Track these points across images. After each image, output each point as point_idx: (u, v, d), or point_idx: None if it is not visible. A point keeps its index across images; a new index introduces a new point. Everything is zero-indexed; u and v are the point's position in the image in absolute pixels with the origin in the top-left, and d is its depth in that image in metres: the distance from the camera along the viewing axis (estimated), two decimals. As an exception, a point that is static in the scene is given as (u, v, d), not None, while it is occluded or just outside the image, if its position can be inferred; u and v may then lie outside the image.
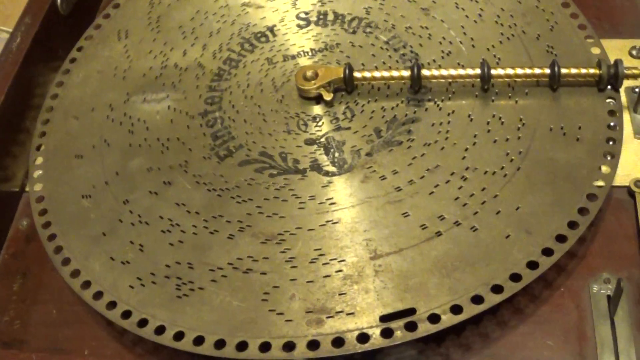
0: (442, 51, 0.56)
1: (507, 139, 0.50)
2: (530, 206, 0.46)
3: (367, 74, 0.54)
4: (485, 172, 0.49)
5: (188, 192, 0.51)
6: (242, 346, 0.43)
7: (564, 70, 0.52)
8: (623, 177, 0.52)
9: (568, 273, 0.48)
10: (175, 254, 0.48)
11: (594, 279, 0.47)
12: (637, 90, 0.55)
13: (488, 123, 0.51)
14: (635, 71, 0.53)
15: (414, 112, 0.53)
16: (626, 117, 0.55)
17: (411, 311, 0.43)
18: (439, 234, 0.46)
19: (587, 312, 0.46)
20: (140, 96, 0.57)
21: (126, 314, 0.46)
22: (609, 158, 0.49)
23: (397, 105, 0.54)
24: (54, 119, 0.58)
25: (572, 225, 0.46)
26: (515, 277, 0.43)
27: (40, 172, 0.54)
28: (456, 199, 0.47)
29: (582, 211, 0.47)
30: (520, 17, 0.57)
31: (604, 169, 0.49)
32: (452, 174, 0.49)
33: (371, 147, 0.51)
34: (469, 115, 0.52)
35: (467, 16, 0.58)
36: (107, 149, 0.55)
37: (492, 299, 0.43)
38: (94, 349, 0.48)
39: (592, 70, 0.53)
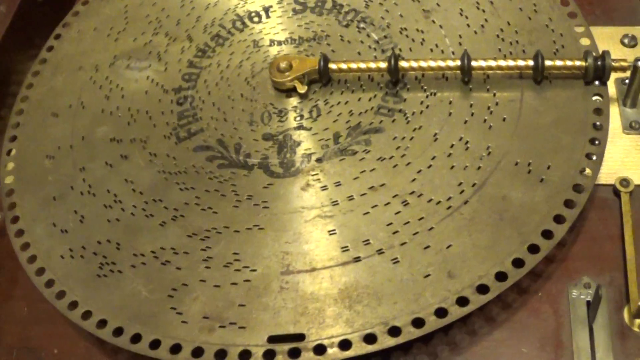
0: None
1: (466, 167, 0.47)
2: (462, 246, 0.43)
3: (344, 66, 0.51)
4: (430, 200, 0.46)
5: (139, 170, 0.51)
6: (136, 338, 0.43)
7: (548, 63, 0.49)
8: (609, 175, 0.49)
9: (547, 276, 0.46)
10: (109, 232, 0.48)
11: (573, 284, 0.45)
12: (626, 82, 0.51)
13: (452, 146, 0.48)
14: (623, 63, 0.49)
15: (380, 122, 0.50)
16: (615, 110, 0.52)
17: (300, 337, 0.41)
18: (357, 259, 0.44)
19: (565, 318, 0.45)
20: (125, 61, 0.57)
21: (49, 283, 0.47)
22: (594, 158, 0.46)
23: (366, 111, 0.51)
24: (40, 79, 0.58)
25: (500, 276, 0.42)
26: (418, 323, 0.41)
27: (13, 164, 0.54)
28: (389, 224, 0.45)
29: (532, 249, 0.43)
30: (526, 35, 0.52)
31: (587, 171, 0.46)
32: (395, 196, 0.46)
33: (324, 153, 0.49)
34: (435, 135, 0.49)
35: (468, 25, 0.54)
36: (81, 111, 0.55)
37: (386, 341, 0.40)
38: (64, 347, 0.49)
39: (578, 63, 0.49)
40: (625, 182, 0.50)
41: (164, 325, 0.43)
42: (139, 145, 0.52)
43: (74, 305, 0.45)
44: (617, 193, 0.49)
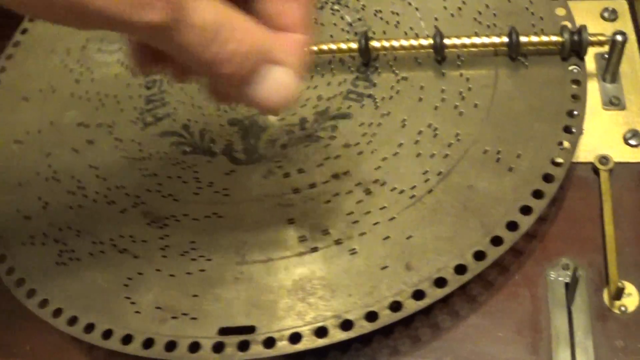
0: (403, 43, 0.50)
1: (433, 155, 0.45)
2: (423, 237, 0.42)
3: (314, 47, 0.50)
4: (393, 189, 0.44)
5: (104, 156, 0.50)
6: (89, 328, 0.43)
7: (523, 39, 0.47)
8: (588, 152, 0.48)
9: (524, 258, 0.45)
10: (70, 219, 0.47)
11: (551, 265, 0.44)
12: (606, 56, 0.50)
13: (420, 133, 0.46)
14: (600, 37, 0.48)
15: (348, 107, 0.49)
16: (594, 86, 0.51)
17: (251, 329, 0.40)
18: (314, 249, 0.42)
19: (542, 301, 0.43)
20: (96, 44, 0.56)
21: (10, 271, 0.46)
22: (573, 131, 0.45)
23: (335, 96, 0.49)
24: (13, 62, 0.58)
25: (460, 270, 0.41)
26: (371, 316, 0.40)
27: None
28: (349, 214, 0.43)
29: (510, 226, 0.42)
30: (504, 17, 0.50)
31: (565, 144, 0.45)
32: (358, 184, 0.45)
33: (289, 139, 0.48)
34: (404, 121, 0.47)
35: (445, 7, 0.52)
36: (51, 95, 0.55)
37: (337, 335, 0.39)
38: (36, 345, 0.47)
39: (554, 38, 0.47)
40: (604, 159, 0.48)
41: (118, 315, 0.42)
42: (106, 130, 0.51)
43: (32, 293, 0.45)
44: (596, 171, 0.48)
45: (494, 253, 0.41)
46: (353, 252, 0.42)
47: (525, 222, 0.42)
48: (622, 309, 0.45)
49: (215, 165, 0.48)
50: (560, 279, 0.44)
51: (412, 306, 0.40)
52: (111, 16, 0.25)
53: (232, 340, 0.40)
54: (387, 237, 0.42)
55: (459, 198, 0.43)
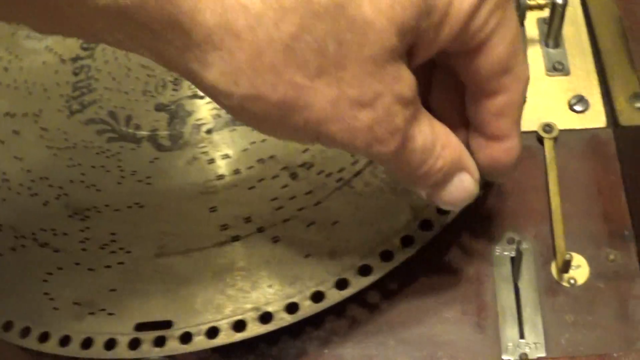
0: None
1: None
2: (349, 223, 0.40)
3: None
4: (320, 172, 0.42)
5: (29, 146, 0.48)
6: (8, 326, 0.41)
7: None
8: (531, 121, 0.46)
9: (469, 234, 0.44)
10: (-6, 213, 0.46)
11: (496, 240, 0.43)
12: (547, 21, 0.49)
13: None
14: (540, 1, 0.48)
15: (277, 88, 0.46)
16: (536, 51, 0.50)
17: (167, 324, 0.39)
18: (236, 238, 0.41)
19: (489, 278, 0.42)
20: (25, 30, 0.54)
21: None
22: None
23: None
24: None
25: (386, 256, 0.39)
26: (292, 308, 0.38)
27: None
28: (274, 199, 0.42)
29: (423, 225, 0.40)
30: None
31: None
32: (284, 168, 0.43)
33: (215, 124, 0.46)
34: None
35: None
36: (-21, 85, 0.53)
37: (255, 329, 0.38)
38: None
39: None
40: (548, 127, 0.47)
41: (37, 311, 0.41)
42: (31, 120, 0.49)
43: (-47, 292, 0.43)
44: (540, 140, 0.46)
45: (423, 238, 0.39)
46: (276, 239, 0.40)
47: None
48: (571, 282, 0.43)
49: (139, 152, 0.46)
50: (505, 253, 0.43)
51: (334, 296, 0.38)
52: (351, 147, 0.28)
53: (148, 336, 0.39)
54: (312, 224, 0.40)
55: (388, 181, 0.41)
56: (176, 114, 0.47)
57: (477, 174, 0.34)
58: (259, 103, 0.26)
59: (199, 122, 0.46)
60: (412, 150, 0.30)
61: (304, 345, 0.42)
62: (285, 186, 0.42)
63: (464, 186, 0.33)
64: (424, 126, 0.30)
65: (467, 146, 0.34)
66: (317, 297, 0.38)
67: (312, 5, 0.25)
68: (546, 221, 0.45)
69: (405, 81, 0.28)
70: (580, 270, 0.44)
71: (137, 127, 0.47)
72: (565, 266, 0.43)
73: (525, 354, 0.41)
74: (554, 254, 0.44)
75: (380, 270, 0.38)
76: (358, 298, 0.42)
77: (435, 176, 0.32)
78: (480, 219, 0.45)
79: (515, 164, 0.35)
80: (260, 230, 0.41)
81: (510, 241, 0.44)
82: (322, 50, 0.26)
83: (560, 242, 0.43)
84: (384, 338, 0.42)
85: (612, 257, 0.44)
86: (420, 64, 0.30)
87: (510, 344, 0.41)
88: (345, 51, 0.26)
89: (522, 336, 0.40)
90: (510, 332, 0.41)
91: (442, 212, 0.40)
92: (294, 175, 0.42)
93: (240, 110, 0.27)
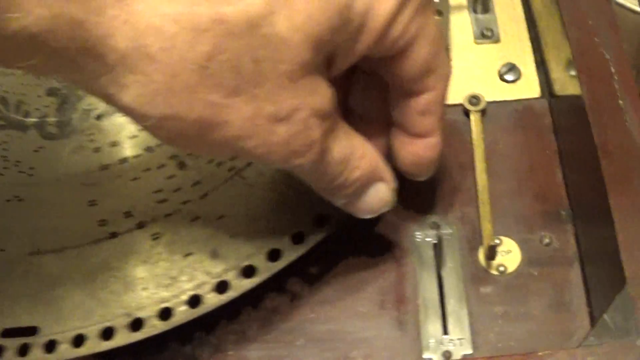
0: None
1: None
2: (236, 218, 0.36)
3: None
4: (210, 161, 0.38)
5: None
6: None
7: None
8: (458, 93, 0.42)
9: (389, 219, 0.40)
10: None
11: (418, 224, 0.40)
12: None
13: None
14: None
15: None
16: (464, 17, 0.46)
17: (33, 330, 0.35)
18: (113, 235, 0.37)
19: (409, 268, 0.39)
20: None
21: None
22: None
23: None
24: None
25: (273, 255, 0.35)
26: (165, 314, 0.34)
27: None
28: (158, 191, 0.38)
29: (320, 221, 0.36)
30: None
31: None
32: (172, 156, 0.39)
33: (106, 109, 0.42)
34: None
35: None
36: None
37: (125, 337, 0.34)
38: None
39: None
40: (475, 99, 0.43)
41: None
42: None
43: None
44: (467, 113, 0.43)
45: (316, 235, 0.35)
46: (156, 237, 0.36)
47: None
48: (501, 269, 0.39)
49: (25, 141, 0.42)
50: (428, 239, 0.40)
51: (212, 301, 0.34)
52: (269, 161, 0.29)
53: (13, 343, 0.35)
54: (197, 218, 0.36)
55: (283, 172, 0.37)
56: (67, 98, 0.43)
57: (393, 183, 0.34)
58: (176, 122, 0.27)
59: (89, 108, 0.43)
60: (329, 162, 0.30)
61: (195, 349, 0.38)
62: (171, 177, 0.38)
63: (380, 196, 0.34)
64: (340, 138, 0.31)
65: (389, 144, 0.34)
66: (194, 301, 0.34)
67: (227, 25, 0.25)
68: (474, 203, 0.41)
69: (322, 94, 0.29)
70: (511, 256, 0.39)
71: (27, 114, 0.43)
72: (492, 252, 0.38)
73: (449, 352, 0.37)
74: (481, 239, 0.40)
75: (265, 271, 0.35)
76: (266, 292, 0.38)
77: (351, 187, 0.32)
78: (401, 202, 0.39)
79: (438, 160, 0.35)
80: (140, 226, 0.37)
81: (433, 226, 0.40)
82: (238, 68, 0.26)
83: (487, 225, 0.39)
84: (293, 336, 0.38)
85: (546, 240, 0.40)
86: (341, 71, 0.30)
87: (432, 341, 0.37)
88: (261, 68, 0.26)
89: (445, 332, 0.37)
90: (432, 327, 0.37)
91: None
92: (182, 165, 0.38)
93: (158, 130, 0.28)
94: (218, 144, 0.28)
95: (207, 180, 0.38)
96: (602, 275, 0.36)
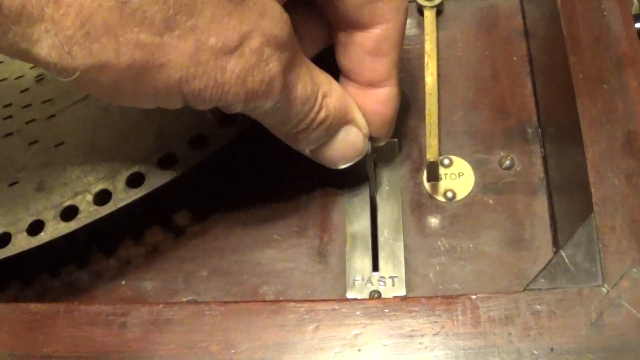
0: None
1: None
2: (77, 145, 0.31)
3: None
4: None
5: None
6: None
7: None
8: None
9: None
10: None
11: None
12: None
13: None
14: None
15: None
16: None
17: None
18: None
19: (336, 188, 0.34)
20: None
21: None
22: None
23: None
24: None
25: (102, 197, 0.30)
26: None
27: None
28: (7, 105, 0.34)
29: None
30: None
31: None
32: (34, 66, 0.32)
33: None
34: None
35: None
36: None
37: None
38: None
39: None
40: None
41: None
42: None
43: None
44: (420, 10, 0.37)
45: (162, 177, 0.30)
46: None
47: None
48: (449, 195, 0.33)
49: None
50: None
51: (21, 243, 0.29)
52: (225, 104, 0.26)
53: None
54: (34, 142, 0.32)
55: None
56: None
57: (365, 128, 0.30)
58: (104, 72, 0.23)
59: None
60: (292, 101, 0.27)
61: (92, 275, 0.33)
62: (25, 90, 0.31)
63: (350, 141, 0.30)
64: (303, 73, 0.27)
65: None
66: (6, 241, 0.29)
67: None
68: (421, 115, 0.34)
69: (274, 17, 0.25)
70: (462, 180, 0.33)
71: None
72: (433, 171, 0.32)
73: (378, 292, 0.31)
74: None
75: (87, 216, 0.29)
76: (162, 219, 0.33)
77: (318, 129, 0.29)
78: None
79: (394, 119, 0.31)
80: None
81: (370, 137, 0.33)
82: None
83: (432, 140, 0.32)
84: (194, 266, 0.33)
85: (507, 162, 0.33)
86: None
87: (358, 278, 0.32)
88: None
89: (375, 268, 0.32)
90: (359, 262, 0.32)
91: (196, 146, 0.30)
92: (40, 77, 0.31)
93: (87, 84, 0.24)
94: (161, 91, 0.24)
95: (60, 99, 0.32)
96: (572, 207, 0.29)
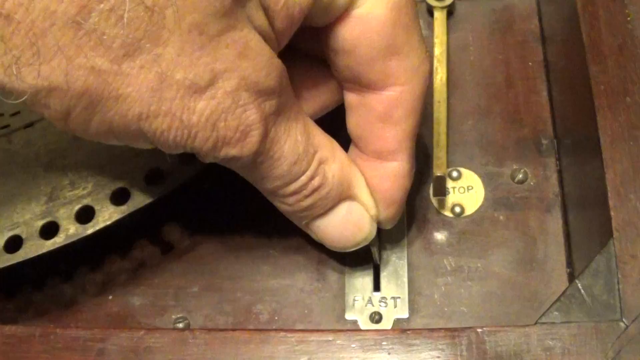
0: None
1: None
2: None
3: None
4: None
5: None
6: None
7: None
8: None
9: None
10: None
11: None
12: None
13: None
14: None
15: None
16: None
17: None
18: None
19: None
20: None
21: None
22: None
23: None
24: None
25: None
26: None
27: None
28: None
29: None
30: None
31: None
32: None
33: None
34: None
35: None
36: None
37: None
38: None
39: None
40: None
41: None
42: None
43: None
44: (430, 10, 0.35)
45: (143, 196, 0.28)
46: None
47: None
48: (457, 210, 0.31)
49: None
50: None
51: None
52: (194, 150, 0.23)
53: None
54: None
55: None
56: None
57: (373, 208, 0.27)
58: (54, 96, 0.21)
59: None
60: (278, 158, 0.24)
61: (78, 290, 0.31)
62: None
63: (353, 220, 0.27)
64: (296, 129, 0.24)
65: None
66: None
67: None
68: (429, 124, 0.32)
69: (258, 60, 0.22)
70: (471, 195, 0.31)
71: None
72: (440, 185, 0.30)
73: (379, 314, 0.30)
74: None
75: (67, 238, 0.28)
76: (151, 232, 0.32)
77: (311, 198, 0.26)
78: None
79: (403, 201, 0.28)
80: None
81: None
82: (127, 20, 0.20)
83: (440, 152, 0.30)
84: (185, 282, 0.31)
85: (520, 176, 0.31)
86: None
87: (358, 298, 0.30)
88: (159, 18, 0.20)
89: (377, 287, 0.30)
90: (360, 280, 0.30)
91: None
92: None
93: (39, 108, 0.21)
94: (120, 126, 0.22)
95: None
96: (589, 226, 0.27)
